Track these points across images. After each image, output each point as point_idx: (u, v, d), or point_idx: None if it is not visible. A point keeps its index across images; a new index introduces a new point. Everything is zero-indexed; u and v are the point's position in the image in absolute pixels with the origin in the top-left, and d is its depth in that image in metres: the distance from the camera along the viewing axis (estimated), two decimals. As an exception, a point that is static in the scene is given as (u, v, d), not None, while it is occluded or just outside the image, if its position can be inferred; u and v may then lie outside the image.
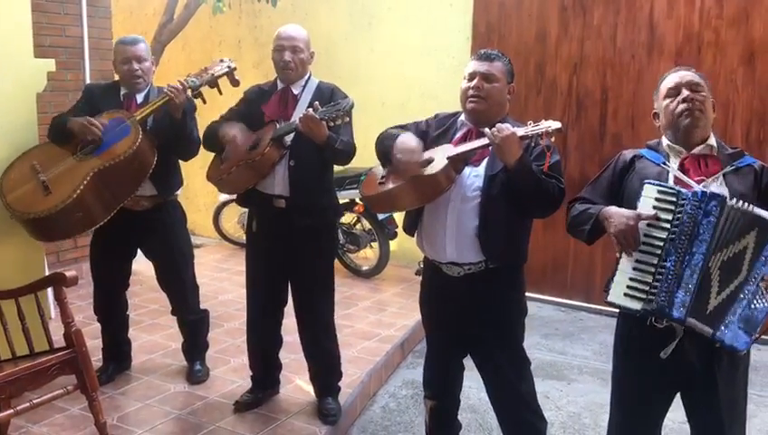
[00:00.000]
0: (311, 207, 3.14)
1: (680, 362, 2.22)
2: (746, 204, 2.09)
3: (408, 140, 2.58)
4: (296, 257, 3.21)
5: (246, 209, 5.75)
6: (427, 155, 2.55)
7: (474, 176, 2.57)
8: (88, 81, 5.11)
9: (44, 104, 4.02)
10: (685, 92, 2.27)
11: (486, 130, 2.43)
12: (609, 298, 2.21)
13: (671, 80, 2.33)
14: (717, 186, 2.20)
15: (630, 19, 5.01)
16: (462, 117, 2.68)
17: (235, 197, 5.79)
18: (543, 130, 2.40)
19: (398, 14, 5.90)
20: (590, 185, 2.48)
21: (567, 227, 2.46)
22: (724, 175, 2.23)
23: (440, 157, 2.51)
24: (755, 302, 2.07)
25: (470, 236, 2.55)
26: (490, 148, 2.47)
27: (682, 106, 2.26)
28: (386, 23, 5.96)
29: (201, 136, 3.30)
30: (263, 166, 3.07)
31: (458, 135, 2.65)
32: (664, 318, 2.15)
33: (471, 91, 2.57)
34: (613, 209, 2.26)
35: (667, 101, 2.31)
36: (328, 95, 3.12)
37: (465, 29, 5.60)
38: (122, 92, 3.44)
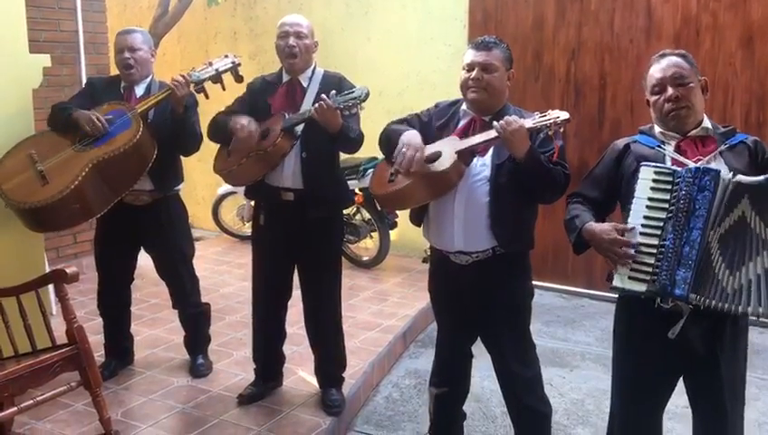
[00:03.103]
0: (324, 197, 3.12)
1: (683, 345, 2.21)
2: (738, 176, 2.08)
3: (412, 138, 2.55)
4: (305, 248, 3.20)
5: (245, 202, 5.69)
6: (432, 149, 2.54)
7: (481, 165, 2.57)
8: (84, 75, 5.09)
9: (40, 100, 4.00)
10: (669, 90, 2.25)
11: (495, 123, 2.42)
12: (615, 283, 2.20)
13: (655, 74, 2.30)
14: (716, 164, 2.19)
15: (628, 4, 4.98)
16: (463, 106, 2.67)
17: (234, 189, 5.87)
18: (552, 121, 2.40)
19: (395, 3, 5.88)
20: (585, 179, 2.48)
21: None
22: (720, 153, 2.23)
23: (447, 151, 2.50)
24: None
25: (479, 225, 2.56)
26: (497, 138, 2.46)
27: (667, 106, 2.25)
28: (382, 12, 5.94)
29: (206, 128, 3.23)
30: (274, 156, 3.04)
31: (461, 125, 2.64)
32: (668, 297, 2.14)
33: (471, 83, 2.56)
34: (591, 228, 2.26)
35: (654, 97, 2.30)
36: (336, 84, 3.08)
37: (461, 17, 5.58)
38: (122, 85, 3.44)
